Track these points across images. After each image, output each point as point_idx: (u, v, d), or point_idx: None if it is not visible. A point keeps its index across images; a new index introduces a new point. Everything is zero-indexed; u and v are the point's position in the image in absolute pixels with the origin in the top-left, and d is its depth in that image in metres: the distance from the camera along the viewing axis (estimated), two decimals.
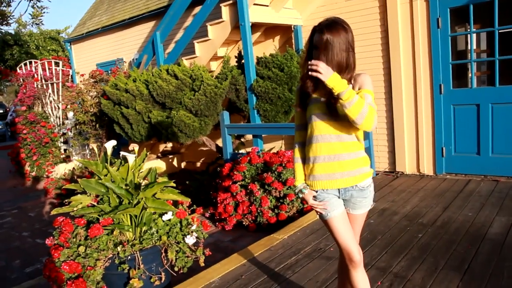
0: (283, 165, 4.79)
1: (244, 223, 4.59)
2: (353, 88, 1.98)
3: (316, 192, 2.09)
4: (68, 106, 8.27)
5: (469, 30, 5.19)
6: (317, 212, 2.11)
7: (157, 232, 3.08)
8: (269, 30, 6.62)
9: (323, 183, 2.06)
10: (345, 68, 1.95)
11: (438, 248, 3.30)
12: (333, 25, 1.92)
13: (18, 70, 9.66)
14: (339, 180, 2.03)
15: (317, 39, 1.94)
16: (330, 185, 2.05)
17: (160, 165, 7.70)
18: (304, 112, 2.12)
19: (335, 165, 2.02)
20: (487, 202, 4.25)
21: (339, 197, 2.08)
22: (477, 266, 2.95)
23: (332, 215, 2.05)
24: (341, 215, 2.06)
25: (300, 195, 2.13)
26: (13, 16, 8.44)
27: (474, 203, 4.25)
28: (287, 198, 4.50)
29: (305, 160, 2.14)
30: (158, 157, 8.20)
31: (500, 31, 4.84)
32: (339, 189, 2.06)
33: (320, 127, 2.01)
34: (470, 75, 5.24)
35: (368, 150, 5.74)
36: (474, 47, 5.49)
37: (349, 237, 2.04)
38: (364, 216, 2.17)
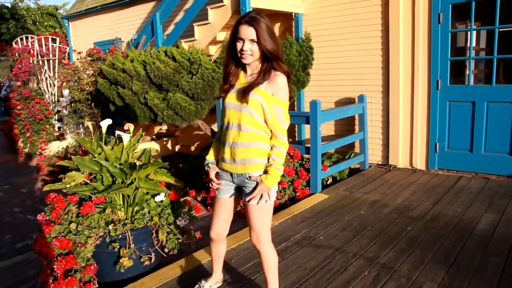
0: None
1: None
2: (255, 88, 2.10)
3: (220, 171, 2.33)
4: (64, 84, 8.21)
5: (469, 27, 5.19)
6: (212, 187, 2.38)
7: (149, 212, 3.09)
8: (269, 16, 6.54)
9: (224, 165, 2.28)
10: (275, 57, 2.10)
11: (426, 241, 3.35)
12: (258, 17, 2.05)
13: (14, 45, 9.52)
14: (234, 165, 2.22)
15: (245, 31, 2.05)
16: (227, 168, 2.26)
17: (154, 147, 7.68)
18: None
19: (234, 151, 2.19)
20: (477, 198, 4.31)
21: (232, 181, 2.29)
22: (463, 260, 3.00)
23: (219, 196, 2.36)
24: (224, 200, 2.35)
25: (206, 168, 2.39)
26: None
27: (464, 199, 4.30)
28: (280, 185, 4.53)
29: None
30: (152, 139, 8.17)
31: (500, 29, 4.85)
32: (231, 173, 2.25)
33: (230, 115, 2.19)
34: (467, 72, 5.26)
35: (363, 142, 5.78)
36: (474, 44, 5.50)
37: (218, 218, 2.39)
38: (253, 210, 2.21)
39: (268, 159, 2.17)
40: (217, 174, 2.36)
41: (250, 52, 2.07)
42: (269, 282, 2.33)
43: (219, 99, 2.36)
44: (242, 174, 2.20)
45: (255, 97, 2.10)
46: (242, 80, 2.19)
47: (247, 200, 2.20)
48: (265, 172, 2.16)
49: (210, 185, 2.40)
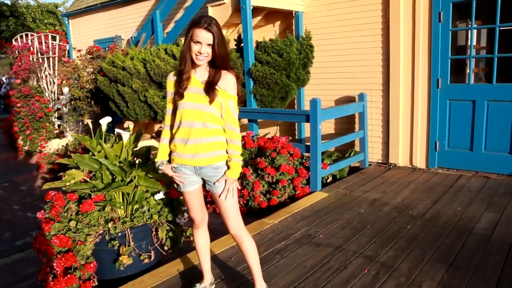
0: (277, 150, 4.81)
1: None
2: (215, 86, 2.25)
3: (176, 166, 2.40)
4: (64, 81, 8.20)
5: (470, 25, 5.18)
6: (176, 183, 2.46)
7: (148, 210, 3.09)
8: (270, 14, 6.56)
9: (183, 160, 2.35)
10: (224, 63, 2.26)
11: (425, 240, 3.34)
12: (215, 24, 2.19)
13: (14, 42, 9.51)
14: (196, 160, 2.32)
15: (204, 35, 2.16)
16: (189, 163, 2.35)
17: (154, 145, 7.67)
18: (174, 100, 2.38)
19: (198, 147, 2.30)
20: (477, 197, 4.31)
21: (195, 173, 2.39)
22: (463, 259, 3.00)
23: (187, 190, 2.44)
24: (193, 192, 2.45)
25: (160, 169, 2.46)
26: None
27: (463, 198, 4.30)
28: (280, 183, 4.53)
29: (170, 140, 2.43)
30: (152, 137, 8.16)
31: (501, 28, 4.84)
32: (194, 167, 2.35)
33: (190, 114, 2.29)
34: (468, 71, 5.25)
35: (363, 141, 5.77)
36: (474, 43, 5.49)
37: (194, 208, 2.51)
38: (221, 199, 2.35)
39: (227, 152, 2.36)
40: (172, 168, 2.44)
41: (206, 54, 2.21)
42: (255, 268, 2.45)
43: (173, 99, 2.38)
44: (206, 166, 2.33)
45: (217, 98, 2.27)
46: (195, 81, 2.30)
47: (221, 197, 2.35)
48: (227, 167, 2.35)
49: (175, 183, 2.47)
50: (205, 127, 2.29)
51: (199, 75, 2.31)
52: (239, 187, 2.44)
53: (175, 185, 2.51)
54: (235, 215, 2.39)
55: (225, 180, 2.34)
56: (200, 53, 2.18)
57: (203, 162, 2.32)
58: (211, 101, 2.24)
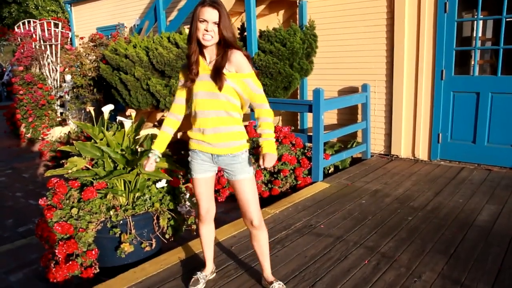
0: (279, 140, 4.80)
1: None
2: (222, 70, 2.16)
3: (194, 151, 2.38)
4: (66, 69, 8.18)
5: (476, 16, 5.13)
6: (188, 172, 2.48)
7: (150, 198, 3.10)
8: (273, 3, 6.51)
9: (202, 147, 2.33)
10: (231, 43, 2.17)
11: (426, 231, 3.35)
12: (220, 3, 2.14)
13: (16, 29, 9.48)
14: (215, 148, 2.29)
15: (210, 13, 2.11)
16: (207, 150, 2.31)
17: (156, 133, 7.68)
18: (185, 88, 2.33)
19: (217, 136, 2.26)
20: (479, 190, 4.30)
21: (212, 161, 2.36)
22: (463, 251, 3.00)
23: (200, 176, 2.41)
24: (205, 179, 2.42)
25: (149, 156, 2.40)
26: None
27: (465, 190, 4.29)
28: (281, 173, 4.53)
29: (170, 130, 2.42)
30: (154, 126, 8.15)
31: (507, 19, 4.78)
32: (212, 154, 2.32)
33: (205, 104, 2.23)
34: (472, 62, 5.20)
35: (365, 132, 5.76)
36: (480, 34, 5.43)
37: (203, 196, 2.45)
38: (248, 184, 2.33)
39: (257, 130, 2.32)
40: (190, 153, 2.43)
41: (213, 33, 2.13)
42: (267, 259, 2.50)
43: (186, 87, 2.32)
44: (225, 155, 2.29)
45: (227, 83, 2.18)
46: (204, 67, 2.23)
47: (262, 167, 2.37)
48: (260, 145, 2.31)
49: (143, 167, 2.41)
50: (222, 116, 2.23)
51: (208, 59, 2.24)
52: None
53: (189, 172, 2.47)
54: (257, 207, 2.36)
55: (250, 159, 2.33)
56: (207, 31, 2.11)
57: (221, 151, 2.29)
58: (220, 89, 2.16)
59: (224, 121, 2.24)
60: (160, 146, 2.43)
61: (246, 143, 2.35)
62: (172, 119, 2.42)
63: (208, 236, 2.62)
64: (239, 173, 2.32)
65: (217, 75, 2.16)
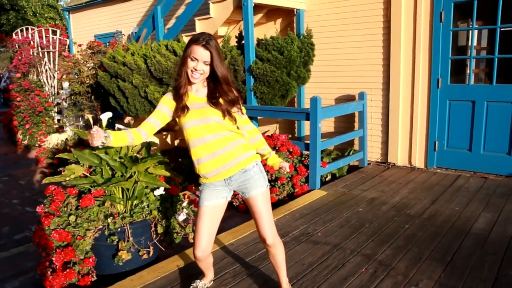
0: (277, 148, 4.82)
1: (234, 203, 4.63)
2: (221, 102, 2.27)
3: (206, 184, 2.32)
4: (64, 76, 8.18)
5: (471, 26, 5.19)
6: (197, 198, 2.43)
7: (148, 206, 3.10)
8: (271, 12, 6.56)
9: (213, 177, 2.27)
10: (225, 81, 2.24)
11: (423, 239, 3.36)
12: (213, 41, 2.16)
13: (14, 36, 9.49)
14: (227, 170, 2.25)
15: (201, 53, 2.14)
16: (221, 177, 2.27)
17: (154, 141, 7.68)
18: (167, 115, 2.32)
19: (224, 157, 2.24)
20: (475, 198, 4.32)
21: (227, 187, 2.31)
22: (460, 258, 3.01)
23: (208, 204, 2.30)
24: (214, 207, 2.31)
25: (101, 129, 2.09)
26: None
27: (461, 198, 4.31)
28: (279, 181, 4.54)
29: (131, 135, 2.23)
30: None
31: (502, 29, 4.84)
32: (225, 180, 2.28)
33: (199, 131, 2.23)
34: (468, 71, 5.26)
35: (362, 140, 5.79)
36: (475, 43, 5.49)
37: (203, 232, 2.29)
38: (264, 197, 2.31)
39: (258, 149, 2.47)
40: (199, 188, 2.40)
41: (202, 71, 2.19)
42: (283, 272, 2.47)
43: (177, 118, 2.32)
44: (236, 172, 2.26)
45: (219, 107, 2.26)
46: (193, 97, 2.28)
47: (285, 172, 2.47)
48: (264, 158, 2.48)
49: (90, 137, 2.05)
50: (218, 138, 2.23)
51: (195, 92, 2.29)
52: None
53: (198, 201, 2.37)
54: (270, 223, 2.30)
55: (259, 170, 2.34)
56: (196, 69, 2.16)
57: (232, 171, 2.24)
58: (223, 115, 2.23)
59: (223, 141, 2.24)
60: (116, 135, 2.15)
61: (255, 155, 2.33)
62: (138, 132, 2.26)
63: (207, 265, 2.57)
64: (253, 188, 2.28)
65: (216, 104, 2.25)
